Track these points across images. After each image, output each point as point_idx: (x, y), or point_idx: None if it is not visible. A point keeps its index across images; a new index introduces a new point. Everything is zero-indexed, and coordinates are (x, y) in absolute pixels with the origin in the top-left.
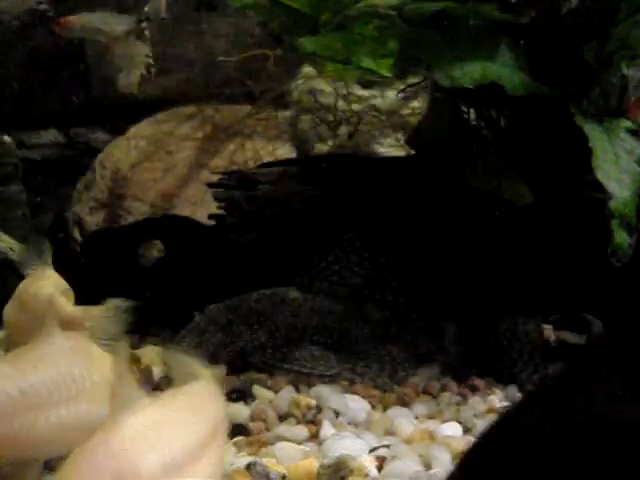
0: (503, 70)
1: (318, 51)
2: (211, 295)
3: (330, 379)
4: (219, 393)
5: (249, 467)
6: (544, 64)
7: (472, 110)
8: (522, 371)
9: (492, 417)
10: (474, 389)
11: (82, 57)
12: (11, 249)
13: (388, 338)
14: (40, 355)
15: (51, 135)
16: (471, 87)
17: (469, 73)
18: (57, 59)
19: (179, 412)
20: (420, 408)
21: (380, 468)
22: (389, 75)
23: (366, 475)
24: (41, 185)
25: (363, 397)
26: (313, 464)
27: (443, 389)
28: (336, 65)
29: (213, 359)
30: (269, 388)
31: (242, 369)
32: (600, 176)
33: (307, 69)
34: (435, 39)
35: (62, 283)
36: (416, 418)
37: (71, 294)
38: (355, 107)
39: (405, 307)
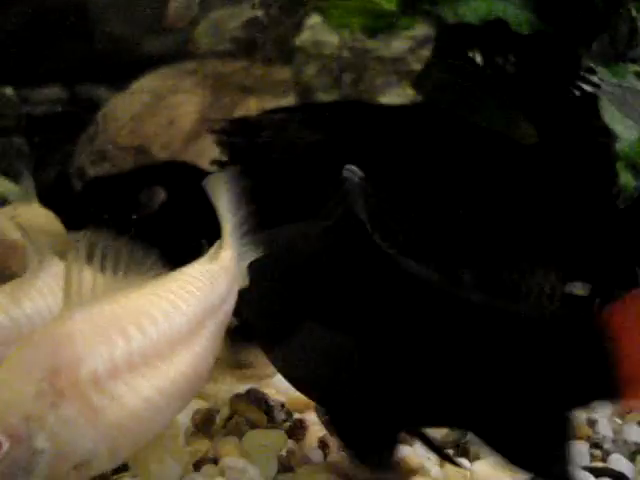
0: (509, 8)
1: None
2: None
3: None
4: (227, 275)
5: (248, 393)
6: (552, 6)
7: (478, 53)
8: None
9: None
10: None
11: (86, 12)
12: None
13: None
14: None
15: (54, 91)
16: (476, 23)
17: (475, 9)
18: (61, 14)
19: (151, 303)
20: None
21: None
22: (394, 9)
23: None
24: (44, 141)
25: None
26: None
27: None
28: (340, 10)
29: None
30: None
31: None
32: (606, 118)
33: (314, 20)
34: None
35: (43, 213)
36: None
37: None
38: (360, 56)
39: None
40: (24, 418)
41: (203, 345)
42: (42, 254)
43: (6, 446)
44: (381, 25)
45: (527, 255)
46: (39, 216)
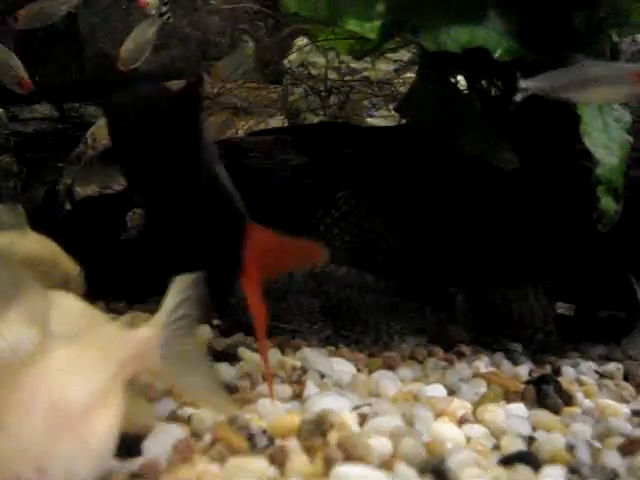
0: (491, 35)
1: (301, 11)
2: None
3: (320, 342)
4: (131, 343)
5: (231, 418)
6: (534, 31)
7: (462, 78)
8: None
9: (478, 381)
10: (460, 355)
11: (76, 31)
12: None
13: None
14: None
15: (44, 109)
16: (457, 52)
17: (456, 37)
18: (51, 33)
19: (88, 353)
20: (406, 372)
21: (362, 424)
22: (375, 38)
23: (347, 430)
24: (34, 159)
25: (349, 360)
26: (294, 419)
27: (430, 355)
28: (326, 33)
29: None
30: (255, 350)
31: (238, 329)
32: (588, 143)
33: (301, 42)
34: (423, 2)
35: (38, 240)
36: (401, 381)
37: (55, 252)
38: (346, 78)
39: (408, 275)
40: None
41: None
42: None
43: None
44: (366, 48)
45: (512, 276)
46: (35, 245)
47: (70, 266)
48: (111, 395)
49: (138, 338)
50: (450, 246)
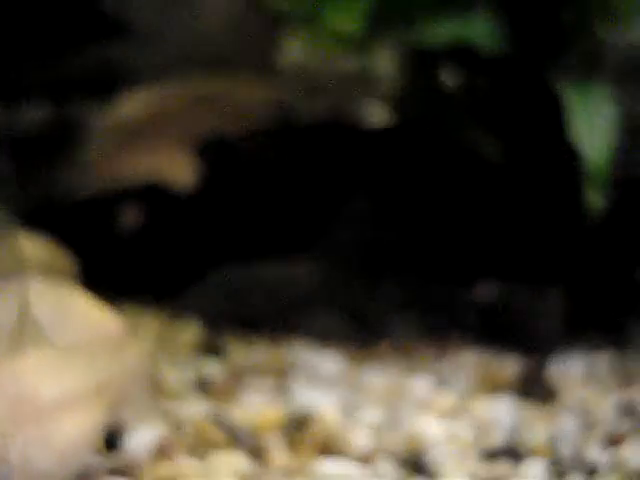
0: (476, 31)
1: (283, 6)
2: (191, 267)
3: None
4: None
5: (208, 415)
6: (520, 26)
7: (447, 73)
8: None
9: (463, 373)
10: (447, 347)
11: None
12: None
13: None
14: None
15: (41, 109)
16: (444, 48)
17: (440, 34)
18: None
19: (73, 355)
20: (391, 364)
21: (344, 418)
22: (358, 35)
23: (329, 424)
24: (30, 159)
25: (334, 352)
26: (277, 413)
27: (417, 346)
28: (308, 28)
29: (216, 324)
30: (242, 342)
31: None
32: (574, 136)
33: (295, 42)
34: None
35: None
36: (386, 373)
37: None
38: (338, 76)
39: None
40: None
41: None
42: None
43: None
44: (354, 46)
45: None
46: (40, 247)
47: (65, 263)
48: (88, 404)
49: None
50: (455, 241)
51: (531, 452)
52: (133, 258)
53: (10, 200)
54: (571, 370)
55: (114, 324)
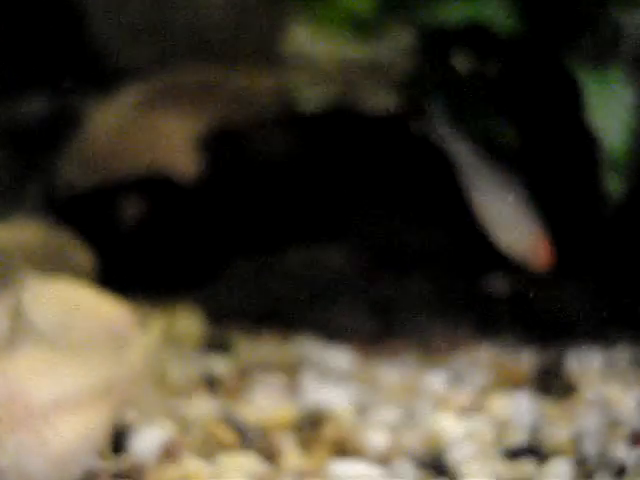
0: (490, 11)
1: None
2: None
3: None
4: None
5: (220, 411)
6: (536, 7)
7: (459, 56)
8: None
9: (481, 369)
10: (469, 342)
11: (72, 22)
12: None
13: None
14: None
15: (40, 101)
16: (454, 28)
17: (454, 13)
18: (45, 24)
19: (75, 355)
20: (406, 359)
21: (359, 416)
22: (372, 16)
23: (343, 423)
24: (29, 152)
25: (347, 348)
26: (289, 412)
27: (436, 341)
28: (321, 9)
29: (225, 319)
30: (251, 338)
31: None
32: (592, 121)
33: (300, 28)
34: None
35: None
36: (402, 369)
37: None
38: (346, 63)
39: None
40: None
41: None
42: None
43: None
44: (361, 33)
45: None
46: (35, 232)
47: (80, 256)
48: (90, 406)
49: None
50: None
51: (555, 451)
52: (140, 252)
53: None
54: (590, 364)
55: (122, 320)
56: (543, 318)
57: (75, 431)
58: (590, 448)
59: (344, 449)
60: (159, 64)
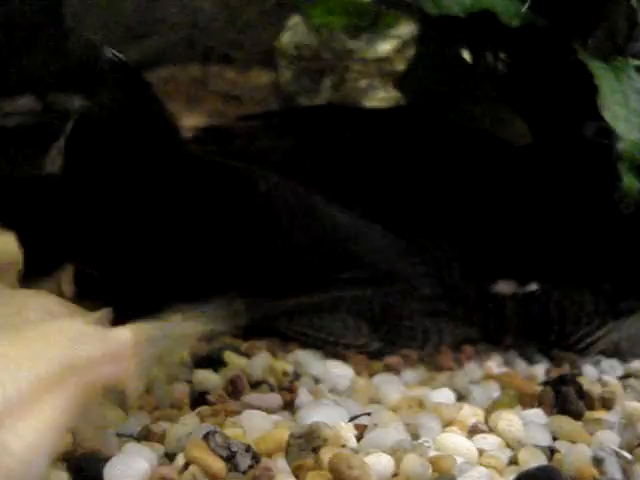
0: None
1: None
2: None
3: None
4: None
5: (207, 437)
6: None
7: (466, 50)
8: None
9: (490, 384)
10: (469, 354)
11: (60, 20)
12: None
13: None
14: None
15: (27, 101)
16: (462, 16)
17: (460, 0)
18: (34, 22)
19: (20, 348)
20: (410, 375)
21: (359, 438)
22: (371, 7)
23: (343, 445)
24: (16, 152)
25: (347, 363)
26: (283, 434)
27: (440, 355)
28: (319, 9)
29: (215, 333)
30: (242, 354)
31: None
32: (607, 116)
33: (294, 20)
34: None
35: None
36: (404, 385)
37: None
38: (342, 58)
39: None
40: None
41: (70, 395)
42: None
43: None
44: (363, 24)
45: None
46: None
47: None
48: (49, 399)
49: (111, 339)
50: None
51: (576, 475)
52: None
53: None
54: (609, 377)
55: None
56: (556, 326)
57: (31, 431)
58: (613, 470)
59: (342, 476)
60: (152, 62)
